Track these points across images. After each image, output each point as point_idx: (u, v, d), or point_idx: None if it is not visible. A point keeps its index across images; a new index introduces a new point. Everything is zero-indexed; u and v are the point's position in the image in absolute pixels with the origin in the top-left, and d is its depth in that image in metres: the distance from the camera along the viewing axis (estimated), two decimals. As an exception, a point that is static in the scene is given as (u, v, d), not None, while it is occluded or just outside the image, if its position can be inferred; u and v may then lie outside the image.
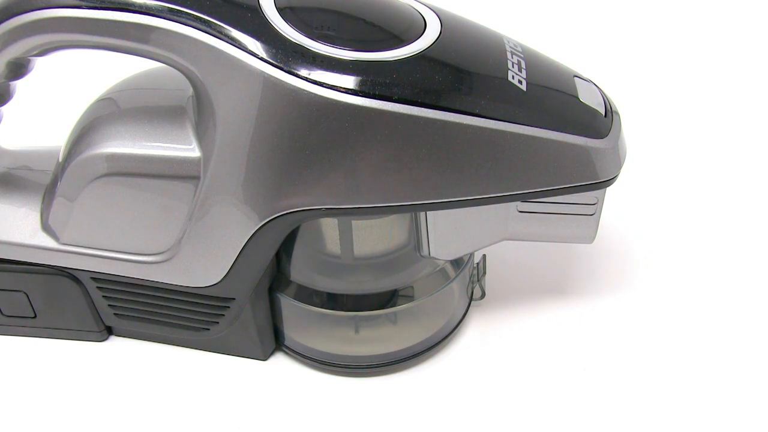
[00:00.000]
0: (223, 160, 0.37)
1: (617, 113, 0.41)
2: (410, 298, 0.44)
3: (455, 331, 0.46)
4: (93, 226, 0.41)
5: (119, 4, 0.35)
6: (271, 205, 0.37)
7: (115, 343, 0.47)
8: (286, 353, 0.45)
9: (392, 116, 0.35)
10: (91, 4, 0.35)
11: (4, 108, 0.42)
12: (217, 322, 0.43)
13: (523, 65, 0.39)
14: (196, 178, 0.39)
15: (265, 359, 0.45)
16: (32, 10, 0.36)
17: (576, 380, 0.43)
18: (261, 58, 0.35)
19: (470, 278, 0.47)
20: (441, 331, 0.45)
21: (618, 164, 0.40)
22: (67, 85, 0.65)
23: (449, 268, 0.45)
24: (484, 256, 0.48)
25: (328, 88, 0.35)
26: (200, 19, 0.35)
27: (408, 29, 0.38)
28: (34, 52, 0.38)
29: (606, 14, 0.84)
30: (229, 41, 0.35)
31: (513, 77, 0.38)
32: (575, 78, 0.41)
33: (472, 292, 0.47)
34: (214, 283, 0.41)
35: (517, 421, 0.41)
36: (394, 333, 0.44)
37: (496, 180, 0.38)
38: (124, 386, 0.44)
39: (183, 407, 0.42)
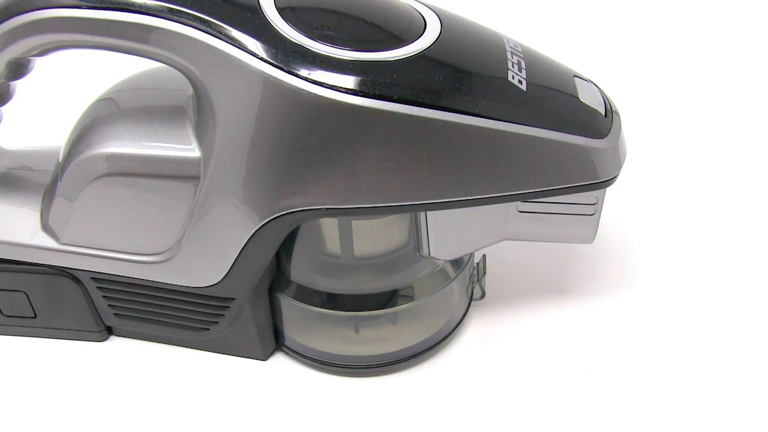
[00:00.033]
0: (223, 160, 0.37)
1: (617, 113, 0.41)
2: (410, 298, 0.44)
3: (455, 331, 0.46)
4: (93, 226, 0.41)
5: (119, 4, 0.35)
6: (271, 205, 0.37)
7: (115, 343, 0.47)
8: (286, 353, 0.45)
9: (392, 116, 0.35)
10: (91, 4, 0.35)
11: (4, 108, 0.42)
12: (217, 322, 0.43)
13: (523, 65, 0.39)
14: (196, 178, 0.39)
15: (265, 359, 0.45)
16: (32, 10, 0.36)
17: (576, 380, 0.43)
18: (261, 58, 0.35)
19: (470, 278, 0.47)
20: (441, 331, 0.45)
21: (618, 164, 0.40)
22: (67, 85, 0.65)
23: (449, 268, 0.45)
24: (484, 256, 0.48)
25: (328, 88, 0.35)
26: (200, 19, 0.35)
27: (408, 29, 0.38)
28: (34, 52, 0.38)
29: (606, 14, 0.84)
30: (229, 41, 0.35)
31: (513, 77, 0.38)
32: (575, 78, 0.41)
33: (472, 292, 0.47)
34: (214, 283, 0.41)
35: (517, 421, 0.41)
36: (394, 333, 0.44)
37: (496, 180, 0.38)
38: (124, 386, 0.44)
39: (183, 407, 0.42)
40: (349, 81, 0.35)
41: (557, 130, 0.38)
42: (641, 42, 0.80)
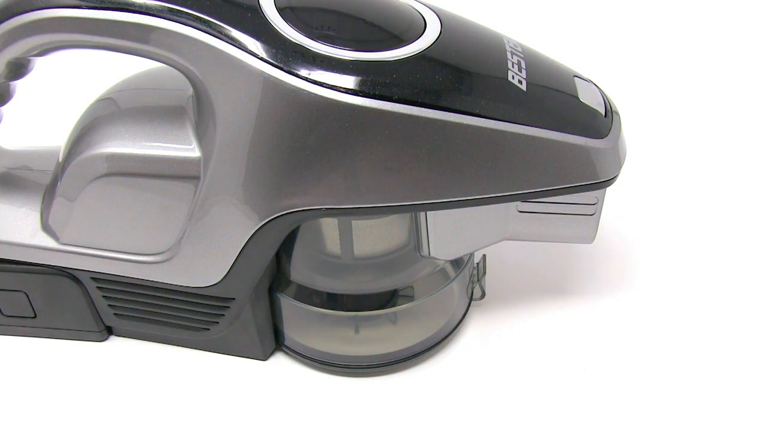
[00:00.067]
0: (223, 160, 0.37)
1: (617, 113, 0.41)
2: (410, 298, 0.44)
3: (455, 331, 0.46)
4: (93, 226, 0.41)
5: (119, 4, 0.35)
6: (271, 205, 0.37)
7: (115, 343, 0.47)
8: (286, 353, 0.45)
9: (392, 116, 0.35)
10: (91, 4, 0.35)
11: (4, 108, 0.42)
12: (217, 322, 0.43)
13: (523, 65, 0.39)
14: (196, 178, 0.39)
15: (265, 359, 0.45)
16: (32, 10, 0.36)
17: (576, 380, 0.43)
18: (261, 58, 0.35)
19: (470, 278, 0.47)
20: (441, 331, 0.45)
21: (618, 164, 0.40)
22: (67, 85, 0.65)
23: (449, 268, 0.45)
24: (484, 256, 0.48)
25: (328, 88, 0.35)
26: (200, 19, 0.35)
27: (408, 29, 0.38)
28: (34, 52, 0.38)
29: (606, 14, 0.84)
30: (229, 41, 0.35)
31: (513, 77, 0.38)
32: (575, 78, 0.41)
33: (472, 292, 0.47)
34: (214, 283, 0.41)
35: (517, 421, 0.41)
36: (394, 333, 0.44)
37: (496, 180, 0.38)
38: (124, 386, 0.44)
39: (183, 407, 0.42)
40: (349, 81, 0.35)
41: (557, 130, 0.38)
42: (641, 42, 0.80)
